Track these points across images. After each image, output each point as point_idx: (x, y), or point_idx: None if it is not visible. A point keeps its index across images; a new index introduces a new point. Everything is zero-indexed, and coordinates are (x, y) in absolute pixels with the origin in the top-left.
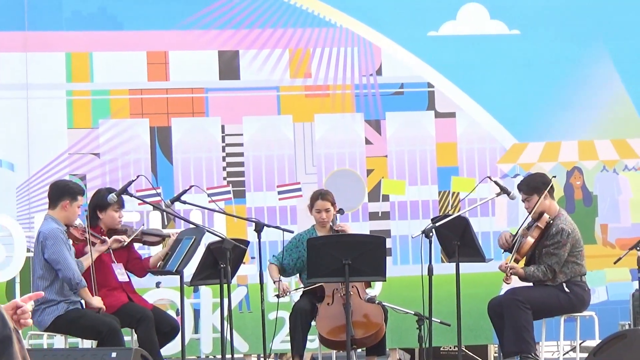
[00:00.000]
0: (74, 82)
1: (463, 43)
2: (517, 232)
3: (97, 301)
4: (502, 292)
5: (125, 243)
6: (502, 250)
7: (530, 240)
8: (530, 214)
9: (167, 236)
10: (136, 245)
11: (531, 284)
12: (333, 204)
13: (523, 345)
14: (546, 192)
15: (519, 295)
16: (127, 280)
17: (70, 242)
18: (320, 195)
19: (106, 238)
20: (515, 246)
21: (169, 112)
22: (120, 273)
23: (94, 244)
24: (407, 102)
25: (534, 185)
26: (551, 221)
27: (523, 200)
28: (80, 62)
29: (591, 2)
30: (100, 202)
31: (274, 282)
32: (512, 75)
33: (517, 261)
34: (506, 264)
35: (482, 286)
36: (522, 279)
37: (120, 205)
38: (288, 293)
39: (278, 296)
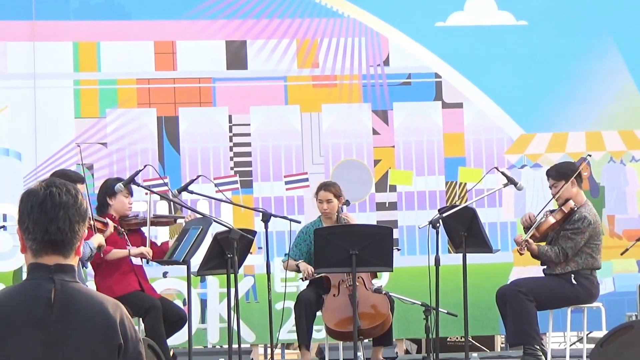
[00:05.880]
0: (82, 72)
1: (471, 34)
2: (539, 213)
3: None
4: (509, 281)
5: (149, 258)
6: (522, 227)
7: (551, 220)
8: (554, 197)
9: (180, 217)
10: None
11: (535, 276)
12: (337, 195)
13: (524, 337)
14: (571, 178)
15: (522, 287)
16: (140, 264)
17: None
18: (323, 186)
19: (108, 220)
20: (535, 223)
21: (176, 102)
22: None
23: (102, 232)
24: (415, 93)
25: (563, 172)
26: (576, 208)
27: (550, 187)
28: (88, 51)
29: None
30: (110, 189)
31: (296, 268)
32: (519, 66)
33: (534, 238)
34: (523, 237)
35: (489, 277)
36: (534, 255)
37: (130, 192)
38: (313, 275)
39: (303, 279)
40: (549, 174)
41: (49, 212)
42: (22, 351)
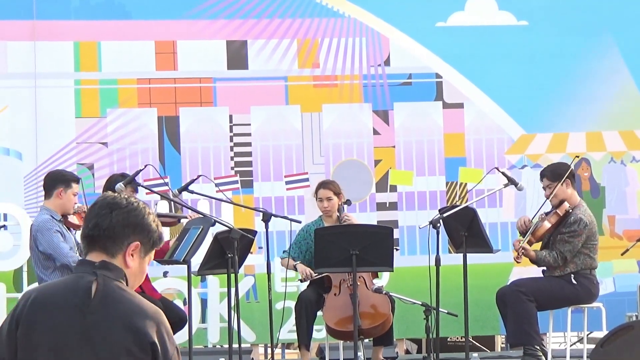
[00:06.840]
0: (82, 72)
1: (471, 34)
2: (534, 216)
3: None
4: (510, 281)
5: None
6: (519, 233)
7: (546, 224)
8: (548, 198)
9: (183, 217)
10: None
11: (535, 276)
12: (336, 193)
13: (524, 337)
14: (565, 179)
15: (522, 287)
16: None
17: (65, 228)
18: (322, 184)
19: None
20: (530, 228)
21: (177, 102)
22: None
23: None
24: (415, 93)
25: (559, 173)
26: (570, 210)
27: (544, 188)
28: (89, 51)
29: None
30: (111, 187)
31: (294, 268)
32: (520, 66)
33: (530, 243)
34: (520, 244)
35: (490, 277)
36: (532, 261)
37: (134, 190)
38: (312, 277)
39: (302, 280)
40: (544, 174)
41: (95, 209)
42: (59, 335)
